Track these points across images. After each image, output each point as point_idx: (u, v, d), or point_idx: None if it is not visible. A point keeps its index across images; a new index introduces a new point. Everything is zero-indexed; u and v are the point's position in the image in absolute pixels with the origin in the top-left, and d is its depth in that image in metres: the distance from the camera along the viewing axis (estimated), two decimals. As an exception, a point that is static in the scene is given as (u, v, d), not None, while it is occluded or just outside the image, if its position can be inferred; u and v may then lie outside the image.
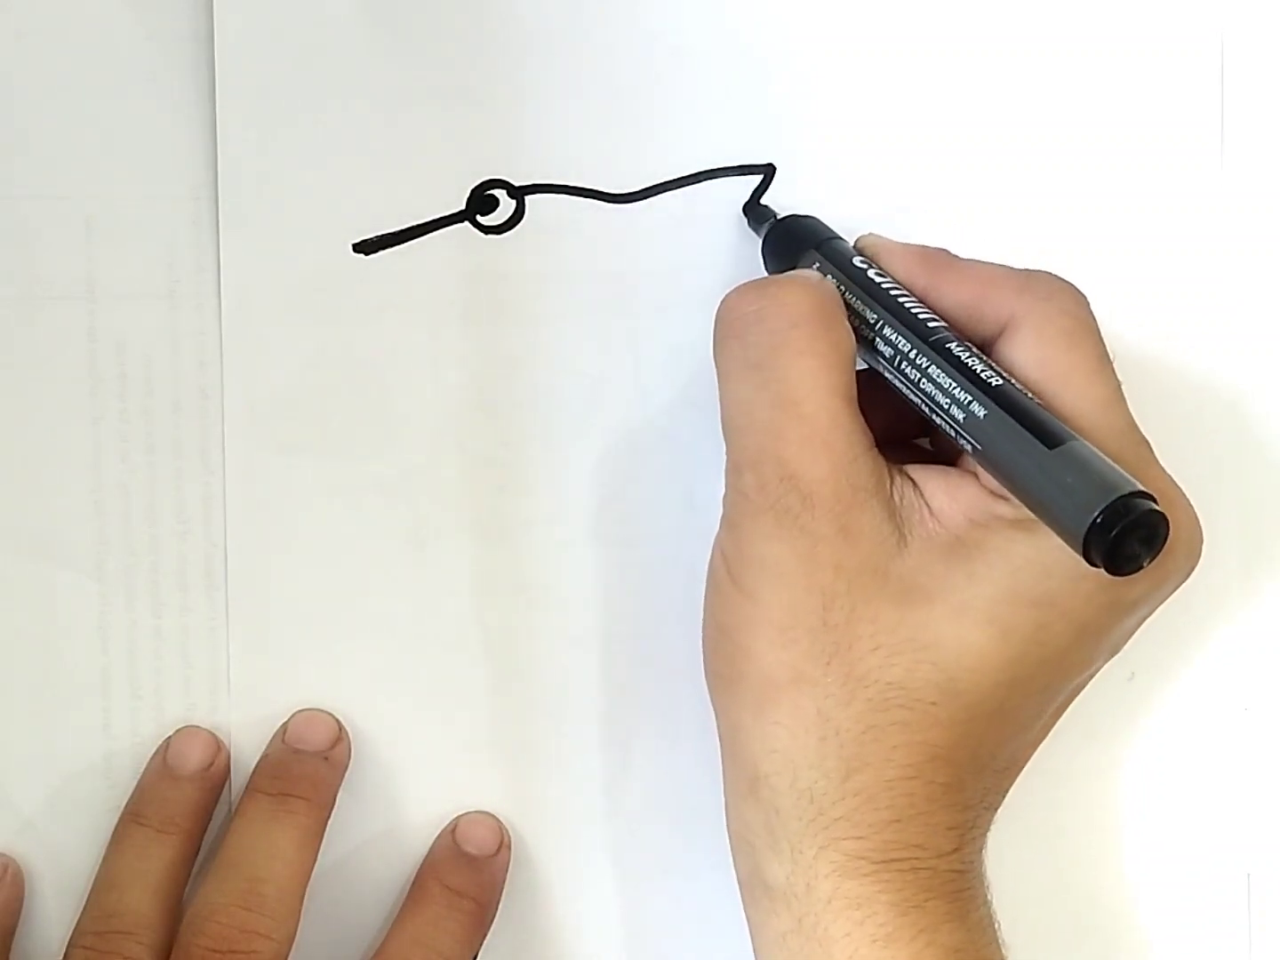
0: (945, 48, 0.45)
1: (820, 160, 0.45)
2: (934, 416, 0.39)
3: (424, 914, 0.44)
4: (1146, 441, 0.40)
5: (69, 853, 0.44)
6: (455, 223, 0.44)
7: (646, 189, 0.45)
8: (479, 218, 0.44)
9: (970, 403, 0.38)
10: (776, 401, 0.39)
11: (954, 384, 0.38)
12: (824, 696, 0.38)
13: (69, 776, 0.44)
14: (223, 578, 0.44)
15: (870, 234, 0.43)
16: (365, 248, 0.44)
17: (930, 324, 0.40)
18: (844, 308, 0.40)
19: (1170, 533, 0.36)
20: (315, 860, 0.43)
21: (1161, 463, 0.40)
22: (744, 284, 0.41)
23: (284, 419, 0.44)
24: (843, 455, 0.38)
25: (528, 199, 0.44)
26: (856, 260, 0.42)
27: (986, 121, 0.45)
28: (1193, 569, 0.41)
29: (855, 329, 0.40)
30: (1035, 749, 0.42)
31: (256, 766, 0.44)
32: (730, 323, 0.40)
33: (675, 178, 0.45)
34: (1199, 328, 0.46)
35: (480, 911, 0.44)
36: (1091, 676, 0.42)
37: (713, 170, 0.45)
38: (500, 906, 0.45)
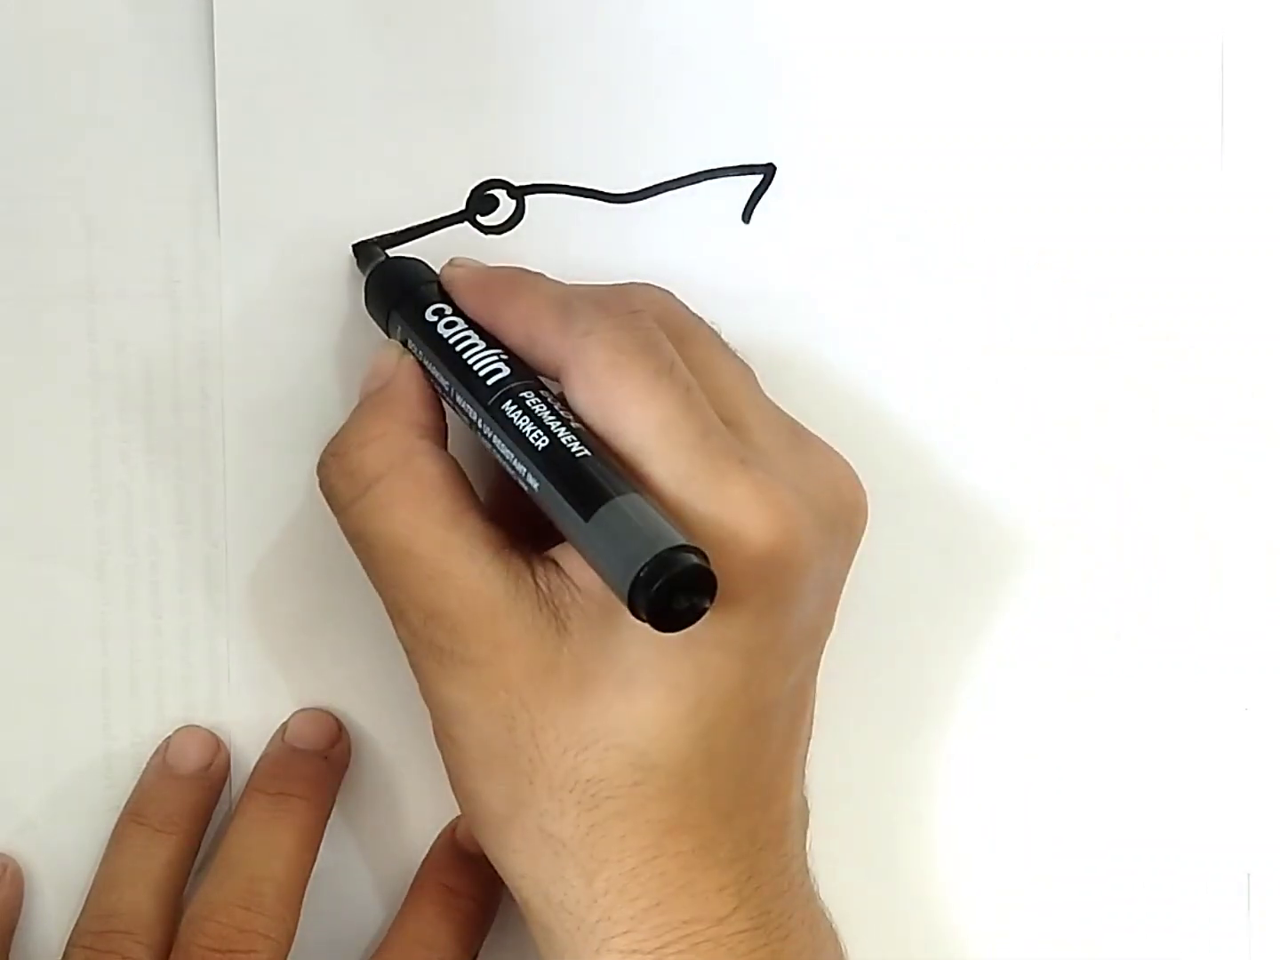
0: (945, 48, 0.45)
1: (820, 160, 0.45)
2: (518, 484, 0.38)
3: (424, 913, 0.44)
4: (728, 444, 0.37)
5: (69, 853, 0.44)
6: (455, 223, 0.44)
7: (646, 189, 0.45)
8: (479, 218, 0.44)
9: (526, 474, 0.37)
10: (388, 557, 0.39)
11: (511, 454, 0.38)
12: (540, 814, 0.38)
13: (69, 776, 0.44)
14: (223, 578, 0.44)
15: (452, 263, 0.42)
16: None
17: (491, 379, 0.39)
18: (425, 402, 0.40)
19: (776, 532, 0.36)
20: (315, 860, 0.43)
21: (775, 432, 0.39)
22: (326, 448, 0.40)
23: (284, 419, 0.44)
24: (466, 575, 0.38)
25: (528, 199, 0.44)
26: (429, 313, 0.41)
27: (986, 121, 0.45)
28: (860, 528, 0.40)
29: (443, 398, 0.40)
30: (796, 759, 0.41)
31: (256, 766, 0.44)
32: (326, 497, 0.40)
33: (675, 178, 0.45)
34: (1199, 328, 0.46)
35: (480, 911, 0.44)
36: (816, 661, 0.41)
37: (713, 170, 0.45)
38: (500, 906, 0.45)
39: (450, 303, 0.41)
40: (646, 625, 0.34)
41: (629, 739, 0.37)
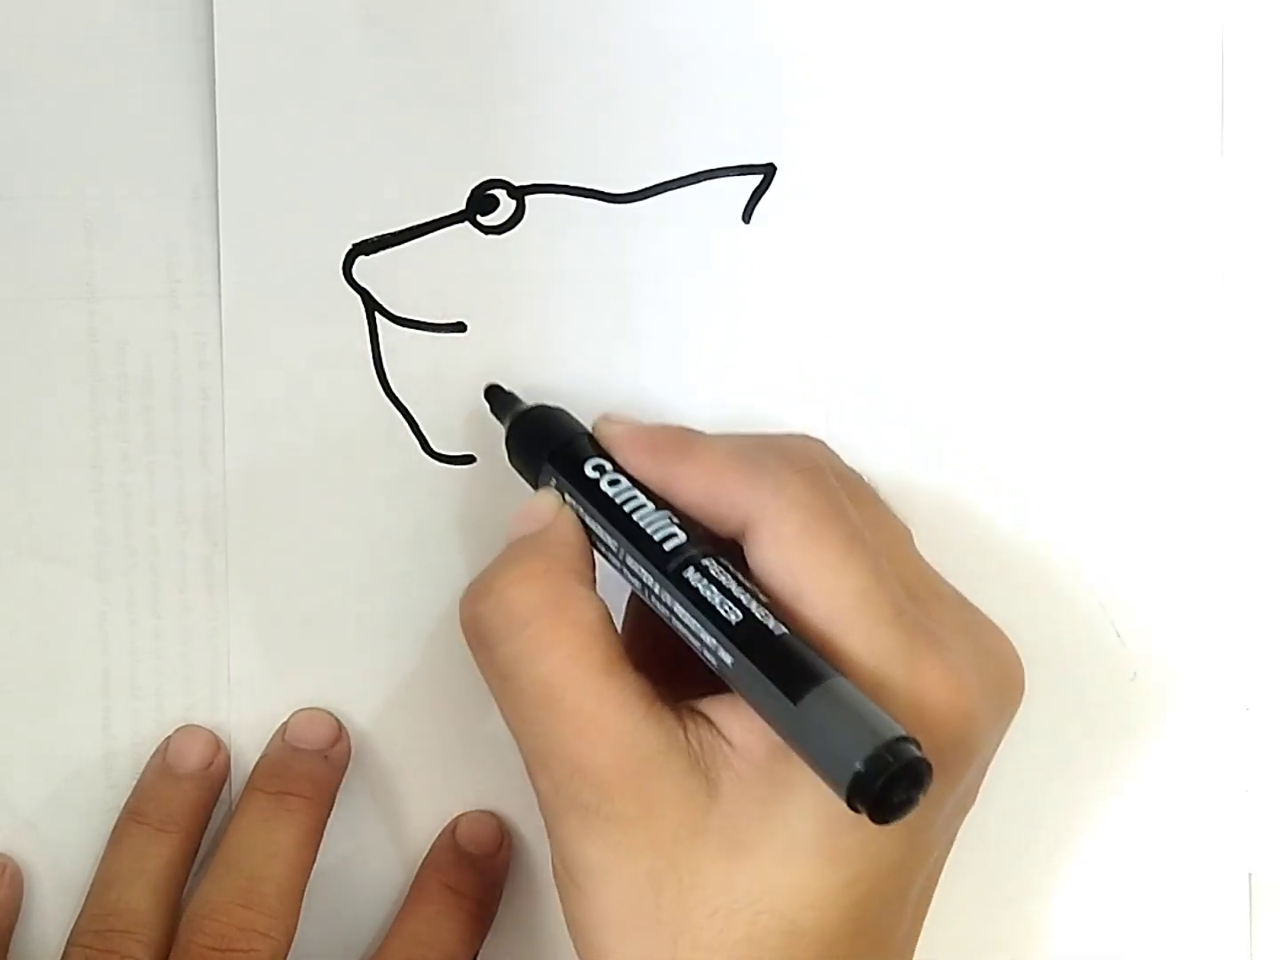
0: (945, 47, 0.45)
1: (820, 160, 0.45)
2: (699, 654, 0.37)
3: (424, 913, 0.44)
4: (919, 621, 0.37)
5: (69, 853, 0.44)
6: (455, 223, 0.44)
7: (646, 189, 0.45)
8: (479, 218, 0.44)
9: (716, 649, 0.36)
10: (537, 704, 0.37)
11: (698, 625, 0.36)
12: None
13: (69, 776, 0.44)
14: (223, 578, 0.44)
15: (606, 418, 0.41)
16: (365, 248, 0.44)
17: (668, 544, 0.38)
18: (583, 552, 0.39)
19: (959, 719, 0.36)
20: (315, 859, 0.43)
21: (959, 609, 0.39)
22: (474, 583, 0.39)
23: (284, 419, 0.44)
24: (620, 730, 0.37)
25: (528, 199, 0.44)
26: (589, 468, 0.40)
27: (986, 120, 0.45)
28: (1018, 704, 0.40)
29: (605, 556, 0.39)
30: (922, 920, 0.40)
31: (256, 765, 0.44)
32: (470, 634, 0.39)
33: (675, 178, 0.45)
34: (1199, 326, 0.46)
35: (480, 911, 0.44)
36: (956, 833, 0.40)
37: (713, 170, 0.45)
38: (500, 906, 0.45)
39: (609, 458, 0.40)
40: (852, 811, 0.33)
41: (783, 906, 0.36)
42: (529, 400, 0.43)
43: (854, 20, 0.45)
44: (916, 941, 0.41)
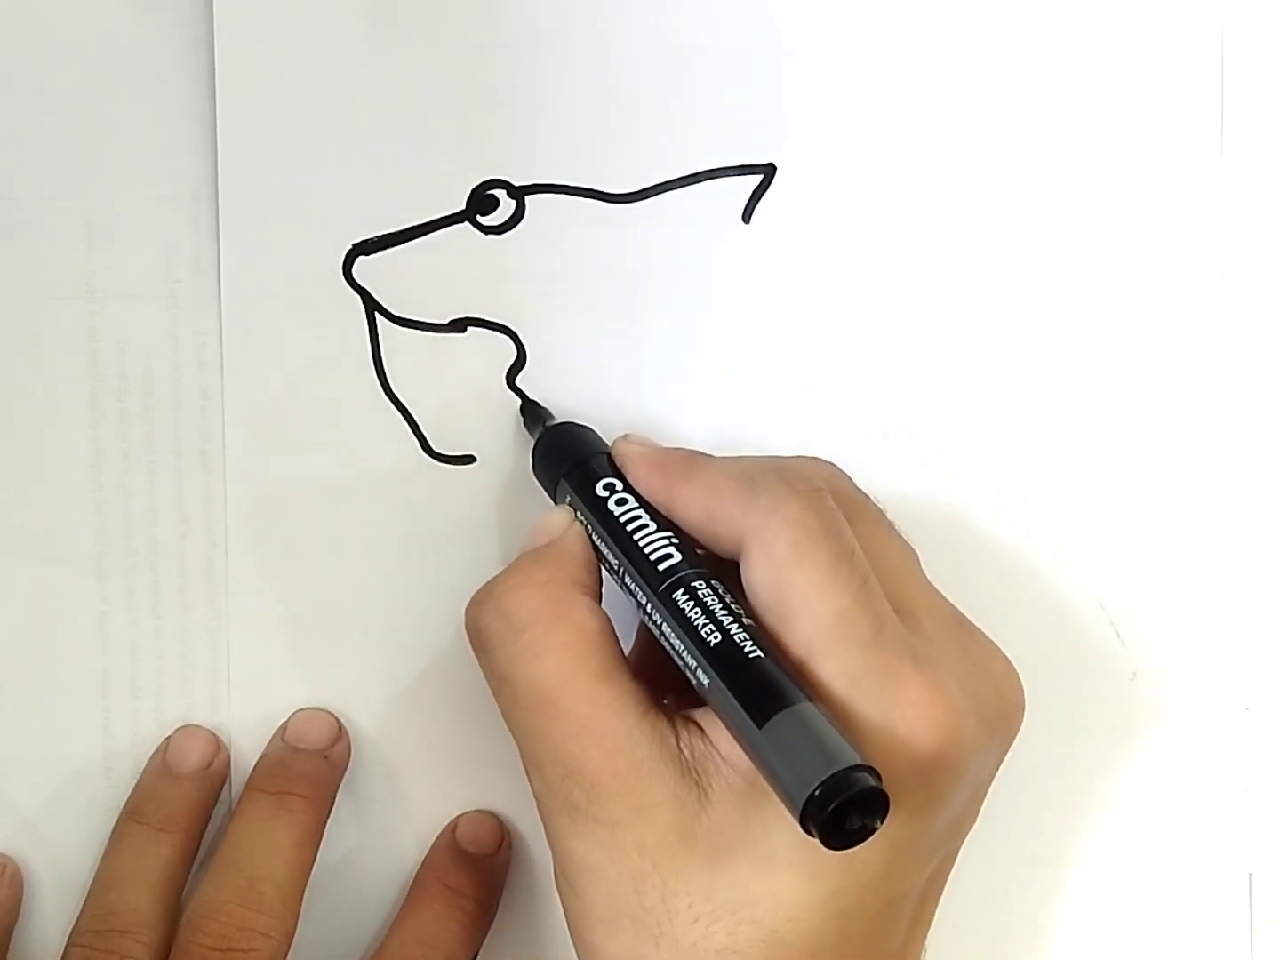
0: (945, 47, 0.45)
1: (820, 160, 0.45)
2: (684, 671, 0.38)
3: (424, 913, 0.44)
4: (901, 639, 0.37)
5: (69, 853, 0.44)
6: (455, 223, 0.44)
7: (646, 189, 0.45)
8: (479, 218, 0.44)
9: (696, 668, 0.37)
10: (533, 707, 0.38)
11: (681, 645, 0.37)
12: None
13: (69, 776, 0.44)
14: (223, 578, 0.44)
15: (626, 439, 0.42)
16: (365, 248, 0.44)
17: (662, 565, 0.39)
18: (588, 564, 0.40)
19: (914, 769, 0.36)
20: (315, 858, 0.43)
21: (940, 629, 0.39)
22: (479, 589, 0.40)
23: (284, 419, 0.44)
24: (613, 735, 0.37)
25: (528, 199, 0.44)
26: (600, 487, 0.41)
27: (986, 120, 0.45)
28: (1017, 725, 0.40)
29: (610, 574, 0.40)
30: (921, 937, 0.40)
31: (256, 765, 0.44)
32: (473, 638, 0.40)
33: (675, 178, 0.45)
34: (1199, 326, 0.46)
35: (480, 911, 0.44)
36: (956, 850, 0.40)
37: (713, 170, 0.45)
38: (500, 906, 0.45)
39: (621, 477, 0.41)
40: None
41: (763, 916, 0.37)
42: (560, 415, 0.44)
43: (854, 21, 0.45)
44: (918, 955, 0.40)
